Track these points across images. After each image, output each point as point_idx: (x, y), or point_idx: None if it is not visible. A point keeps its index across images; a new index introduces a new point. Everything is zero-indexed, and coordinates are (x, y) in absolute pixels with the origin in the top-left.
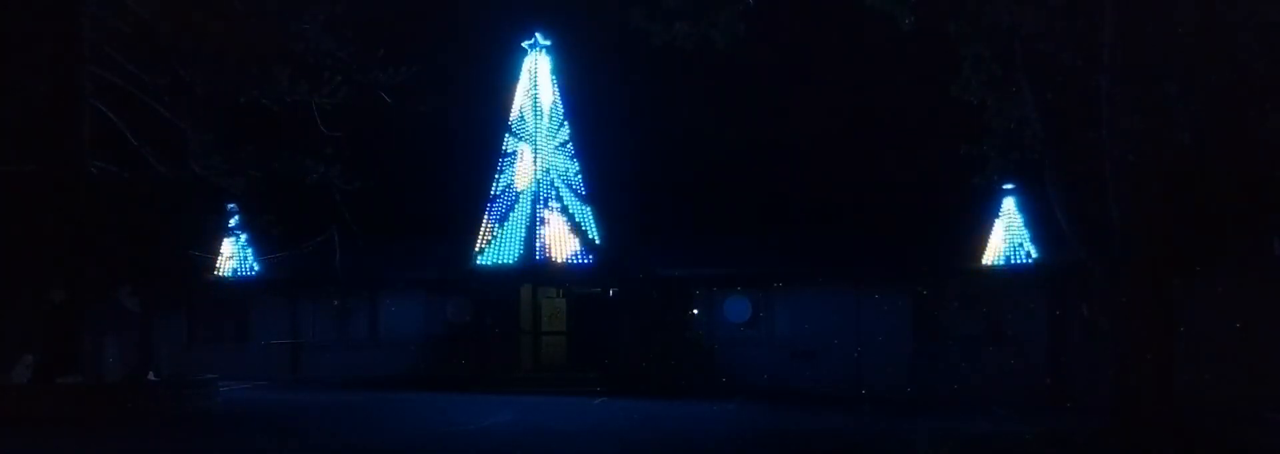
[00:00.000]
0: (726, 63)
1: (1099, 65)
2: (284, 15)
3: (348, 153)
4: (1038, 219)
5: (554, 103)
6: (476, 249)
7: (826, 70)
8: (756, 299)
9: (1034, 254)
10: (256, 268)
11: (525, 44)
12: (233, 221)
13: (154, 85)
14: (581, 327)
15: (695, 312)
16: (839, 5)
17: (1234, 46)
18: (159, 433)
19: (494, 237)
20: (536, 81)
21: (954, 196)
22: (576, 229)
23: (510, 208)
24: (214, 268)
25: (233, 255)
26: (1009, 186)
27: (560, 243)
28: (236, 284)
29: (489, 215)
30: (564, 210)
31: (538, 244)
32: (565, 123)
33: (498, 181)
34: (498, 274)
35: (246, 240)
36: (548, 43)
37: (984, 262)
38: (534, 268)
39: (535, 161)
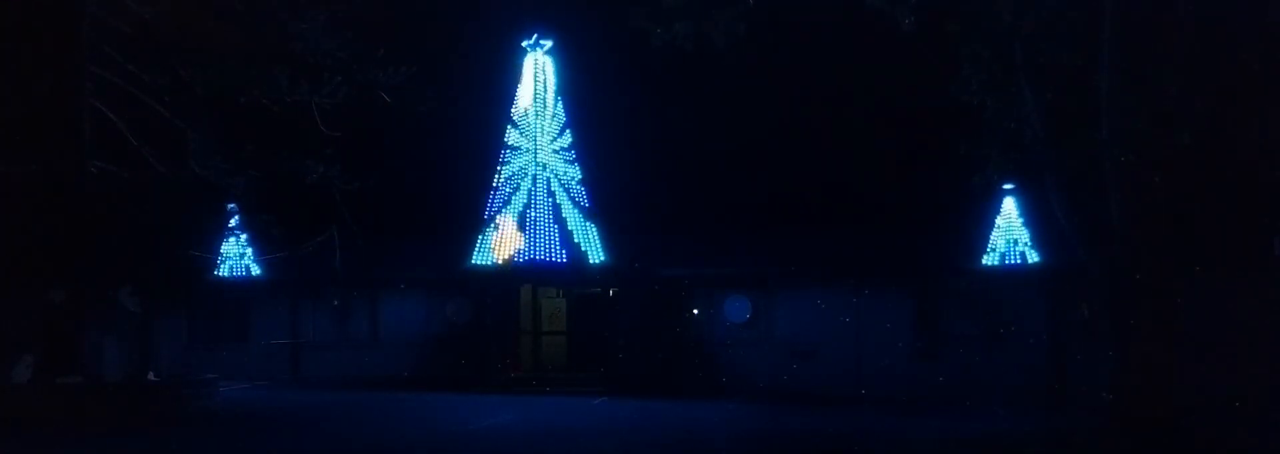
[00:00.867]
0: (726, 63)
1: (1099, 65)
2: (284, 15)
3: (348, 153)
4: (1038, 219)
5: (554, 102)
6: (476, 249)
7: (826, 70)
8: (756, 299)
9: (1034, 254)
10: (256, 268)
11: (525, 44)
12: (233, 222)
13: (154, 85)
14: (581, 327)
15: (695, 312)
16: (839, 5)
17: (1234, 46)
18: (159, 433)
19: (494, 236)
20: (536, 81)
21: (954, 196)
22: (577, 229)
23: (510, 207)
24: (214, 268)
25: (233, 255)
26: (1009, 186)
27: (559, 242)
28: (236, 284)
29: (489, 215)
30: (563, 210)
31: (537, 244)
32: (565, 122)
33: (498, 181)
34: (498, 274)
35: (246, 240)
36: (548, 43)
37: (984, 262)
38: (534, 268)
39: (535, 161)
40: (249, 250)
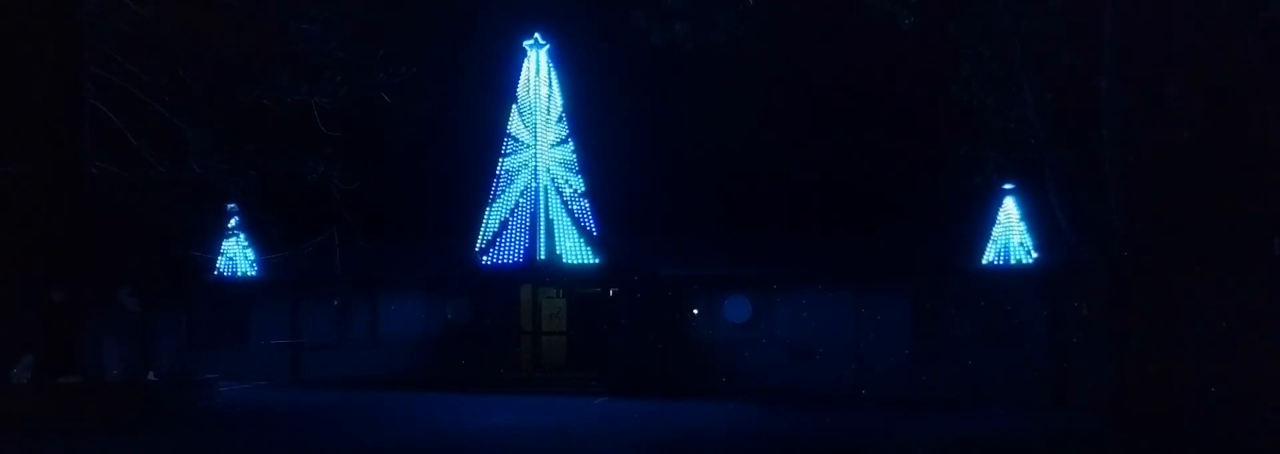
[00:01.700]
0: (726, 62)
1: (1099, 65)
2: (284, 15)
3: (348, 153)
4: (1038, 219)
5: (554, 103)
6: (476, 249)
7: (827, 70)
8: (756, 299)
9: (1034, 254)
10: (256, 268)
11: (525, 44)
12: (233, 222)
13: (154, 85)
14: (581, 327)
15: (695, 312)
16: (839, 5)
17: (1234, 46)
18: (159, 433)
19: (494, 236)
20: (536, 81)
21: (954, 196)
22: (576, 229)
23: (510, 207)
24: (214, 268)
25: (233, 255)
26: (1009, 186)
27: (560, 243)
28: (236, 284)
29: (489, 215)
30: (564, 210)
31: (538, 244)
32: (565, 123)
33: (498, 181)
34: (498, 274)
35: (246, 240)
36: (548, 43)
37: (984, 262)
38: (534, 268)
39: (535, 160)
40: (249, 250)
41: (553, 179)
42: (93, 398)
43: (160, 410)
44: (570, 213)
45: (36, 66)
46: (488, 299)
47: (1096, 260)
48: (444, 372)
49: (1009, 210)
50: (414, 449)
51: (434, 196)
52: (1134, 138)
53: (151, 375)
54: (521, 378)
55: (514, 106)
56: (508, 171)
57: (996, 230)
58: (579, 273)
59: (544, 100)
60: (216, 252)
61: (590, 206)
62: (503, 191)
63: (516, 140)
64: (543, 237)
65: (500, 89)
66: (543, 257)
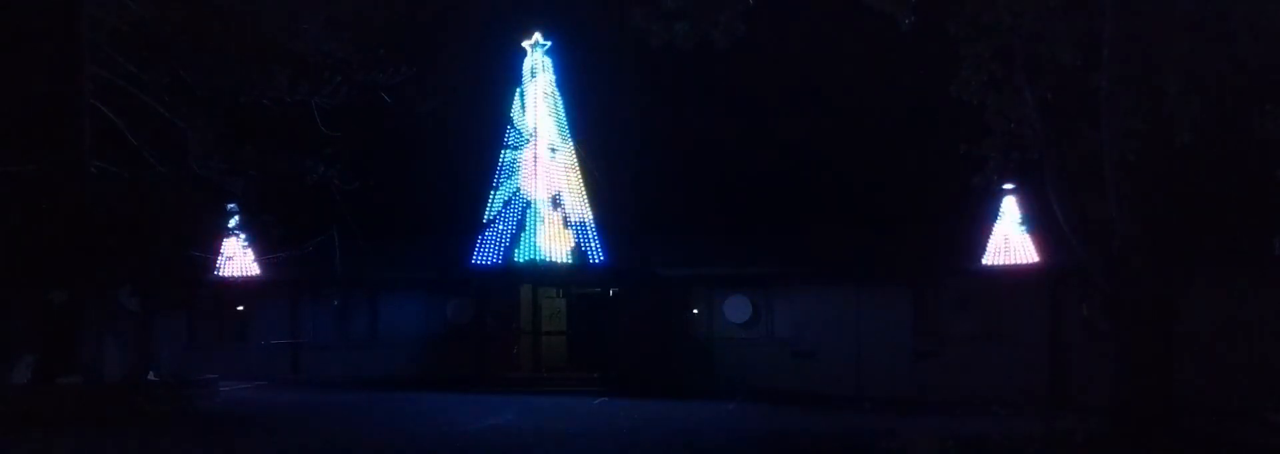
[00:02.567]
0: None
1: (1099, 65)
2: (284, 15)
3: (348, 153)
4: (1038, 219)
5: (554, 103)
6: (476, 249)
7: (826, 70)
8: (756, 299)
9: (1034, 254)
10: (256, 268)
11: (525, 44)
12: (233, 222)
13: (154, 85)
14: (581, 327)
15: (695, 312)
16: (839, 5)
17: (1234, 46)
18: (159, 433)
19: (494, 236)
20: (536, 81)
21: (954, 196)
22: (576, 229)
23: (510, 208)
24: (214, 268)
25: (233, 255)
26: (1009, 186)
27: (560, 243)
28: (236, 284)
29: (489, 215)
30: (564, 210)
31: (538, 244)
32: (565, 122)
33: (497, 181)
34: (498, 274)
35: (246, 240)
36: (548, 43)
37: (984, 261)
38: (534, 268)
39: (535, 162)
40: (249, 250)
41: (553, 179)
42: (93, 398)
43: (160, 410)
44: (570, 213)
45: (36, 66)
46: (488, 299)
47: (1096, 260)
48: (444, 371)
49: (1009, 210)
50: (414, 449)
51: (434, 196)
52: (1134, 138)
53: (151, 375)
54: (521, 378)
55: (513, 107)
56: (508, 171)
57: (996, 230)
58: (579, 273)
59: (544, 100)
60: (216, 252)
61: (590, 206)
62: (503, 192)
63: (516, 140)
64: (543, 236)
65: (500, 89)
66: (543, 256)
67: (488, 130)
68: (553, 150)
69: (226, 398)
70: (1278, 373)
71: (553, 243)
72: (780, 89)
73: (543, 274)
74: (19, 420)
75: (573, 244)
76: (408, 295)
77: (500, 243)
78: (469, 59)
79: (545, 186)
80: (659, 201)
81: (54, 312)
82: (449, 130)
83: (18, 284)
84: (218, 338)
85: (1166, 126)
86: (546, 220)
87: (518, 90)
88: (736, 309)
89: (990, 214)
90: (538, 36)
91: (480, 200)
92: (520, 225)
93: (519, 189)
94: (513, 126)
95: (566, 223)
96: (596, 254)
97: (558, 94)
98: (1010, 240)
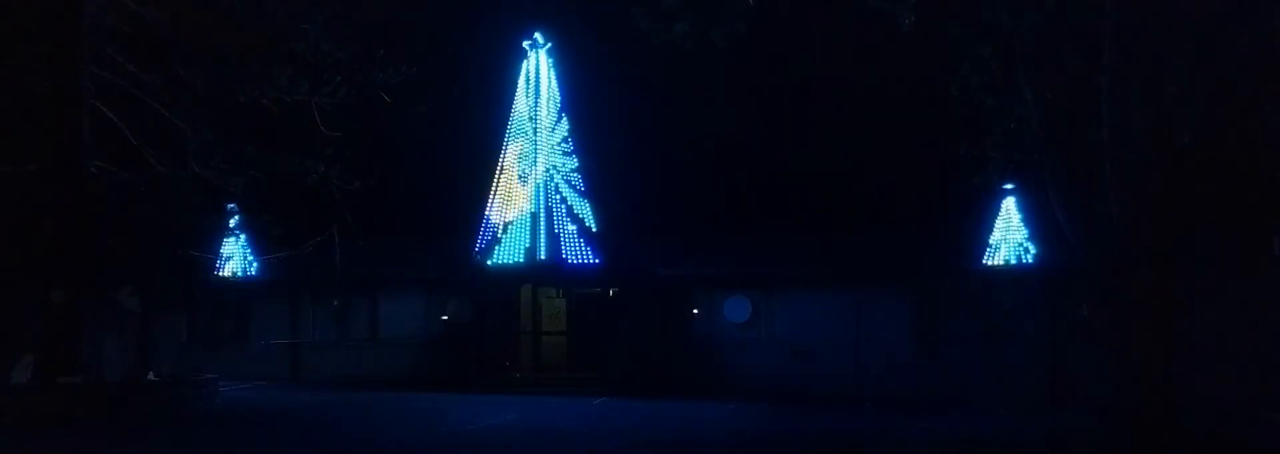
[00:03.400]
0: (726, 62)
1: (1099, 65)
2: (284, 15)
3: (348, 153)
4: (1038, 219)
5: (554, 103)
6: (476, 249)
7: (826, 70)
8: (756, 299)
9: (1034, 254)
10: (256, 268)
11: (525, 44)
12: (233, 222)
13: (154, 85)
14: (581, 327)
15: (695, 312)
16: (839, 5)
17: (1234, 46)
18: (159, 433)
19: (494, 236)
20: (536, 81)
21: (954, 196)
22: (577, 229)
23: (510, 208)
24: (214, 268)
25: (233, 255)
26: (1009, 186)
27: (560, 243)
28: (236, 284)
29: (488, 215)
30: (564, 210)
31: (538, 244)
32: (565, 123)
33: (498, 181)
34: (498, 274)
35: (246, 240)
36: (548, 43)
37: (984, 261)
38: (534, 268)
39: (535, 162)
40: (249, 250)
41: (552, 179)
42: (93, 398)
43: (160, 410)
44: (570, 213)
45: (36, 66)
46: (488, 299)
47: (1096, 260)
48: (444, 371)
49: (1009, 210)
50: (414, 449)
51: (434, 196)
52: (1134, 138)
53: (152, 375)
54: (521, 378)
55: (514, 107)
56: (507, 172)
57: (996, 230)
58: (579, 273)
59: (544, 100)
60: (216, 252)
61: (590, 206)
62: (502, 192)
63: (516, 141)
64: (543, 237)
65: (500, 89)
66: (543, 256)
67: (487, 130)
68: (552, 150)
69: (226, 398)
70: (1278, 373)
71: (553, 243)
72: (780, 89)
73: (543, 274)
74: (19, 420)
75: (573, 244)
76: (408, 295)
77: (500, 243)
78: (469, 58)
79: (545, 186)
80: (659, 201)
81: (54, 312)
82: (449, 130)
83: (18, 284)
84: (218, 338)
85: (1166, 126)
86: (546, 220)
87: (517, 90)
88: (736, 309)
89: (990, 214)
90: (538, 36)
91: (480, 200)
92: (520, 225)
93: (518, 189)
94: (512, 126)
95: (566, 223)
96: (597, 254)
97: (557, 94)
98: (1010, 240)
